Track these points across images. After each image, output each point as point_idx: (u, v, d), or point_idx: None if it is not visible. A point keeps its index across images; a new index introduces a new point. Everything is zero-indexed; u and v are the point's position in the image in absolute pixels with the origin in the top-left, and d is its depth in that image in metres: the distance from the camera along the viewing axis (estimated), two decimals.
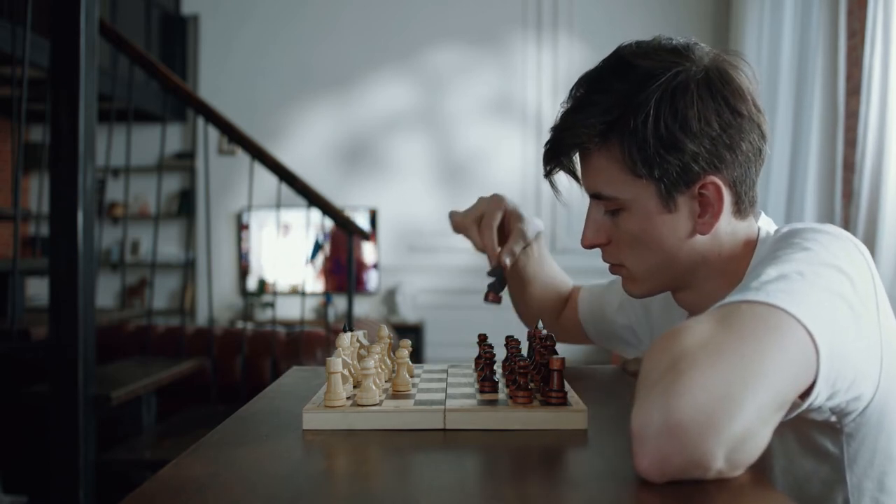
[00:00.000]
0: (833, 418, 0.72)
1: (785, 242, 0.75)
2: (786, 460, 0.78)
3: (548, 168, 0.87)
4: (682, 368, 0.58)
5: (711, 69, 0.78)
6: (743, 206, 0.82)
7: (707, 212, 0.80)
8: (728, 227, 0.82)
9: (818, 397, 0.66)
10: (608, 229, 0.85)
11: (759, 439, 0.58)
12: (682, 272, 0.84)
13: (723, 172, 0.79)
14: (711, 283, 0.84)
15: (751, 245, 0.83)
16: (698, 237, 0.81)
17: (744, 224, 0.83)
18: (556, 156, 0.85)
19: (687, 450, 0.55)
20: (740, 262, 0.82)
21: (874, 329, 0.71)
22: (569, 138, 0.82)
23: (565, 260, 4.96)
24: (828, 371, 0.64)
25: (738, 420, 0.56)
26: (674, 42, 0.81)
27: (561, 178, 0.88)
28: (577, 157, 0.85)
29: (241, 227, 5.26)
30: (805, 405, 0.66)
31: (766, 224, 0.86)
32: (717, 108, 0.77)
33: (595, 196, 0.84)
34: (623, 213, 0.82)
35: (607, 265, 0.90)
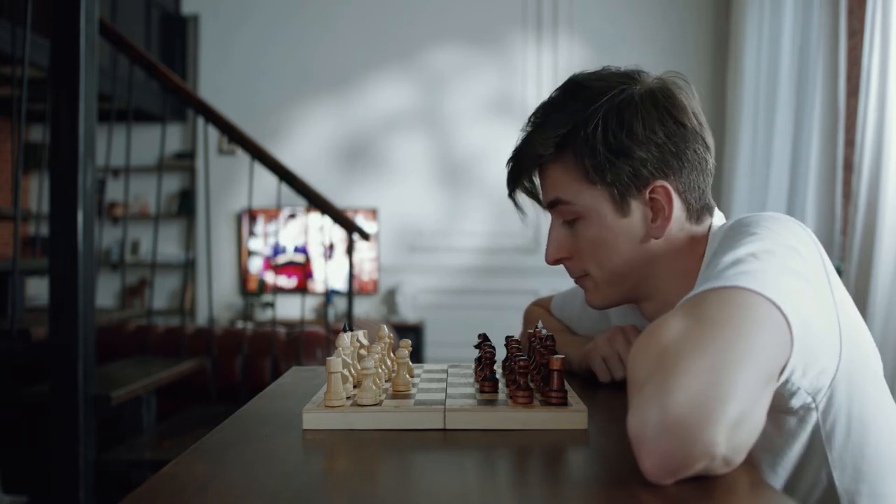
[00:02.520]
0: (809, 399, 0.73)
1: (733, 232, 0.77)
2: (770, 454, 0.78)
3: (511, 187, 0.93)
4: (667, 365, 0.58)
5: (655, 88, 0.87)
6: (694, 212, 0.87)
7: (658, 216, 0.86)
8: (681, 232, 0.87)
9: (794, 372, 0.67)
10: (569, 243, 0.90)
11: (754, 419, 0.59)
12: (640, 277, 0.89)
13: (671, 178, 0.85)
14: (670, 286, 0.88)
15: (703, 243, 0.87)
16: (653, 241, 0.87)
17: (699, 227, 0.88)
18: (517, 173, 0.91)
19: (688, 442, 0.55)
20: (696, 262, 0.86)
21: (829, 302, 0.73)
22: (527, 153, 0.88)
23: None
24: (801, 344, 0.65)
25: (732, 403, 0.56)
26: (623, 68, 0.92)
27: (526, 201, 0.95)
28: (537, 180, 0.93)
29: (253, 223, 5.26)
30: (782, 379, 0.67)
31: (717, 220, 0.90)
32: (660, 118, 0.84)
33: (554, 203, 0.89)
34: (581, 222, 0.88)
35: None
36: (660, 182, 0.84)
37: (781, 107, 3.92)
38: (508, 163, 0.92)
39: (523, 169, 0.91)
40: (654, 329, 0.64)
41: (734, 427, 0.56)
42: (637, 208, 0.86)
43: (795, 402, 0.73)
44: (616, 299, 0.92)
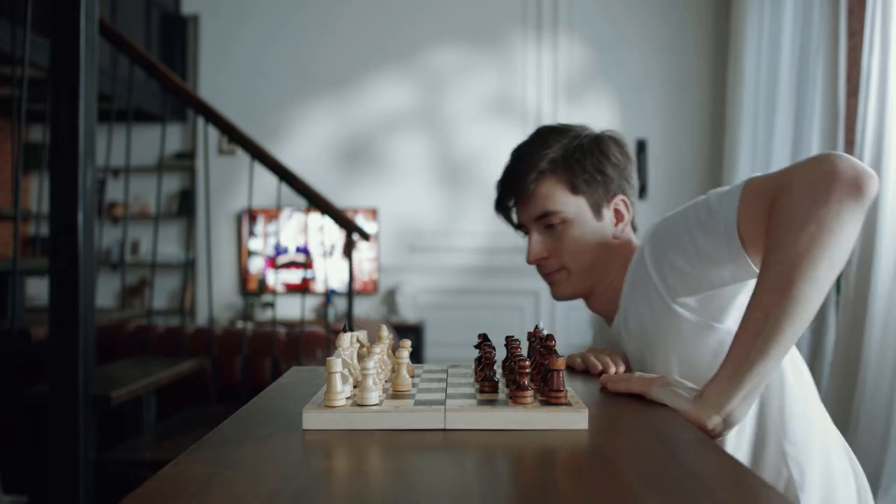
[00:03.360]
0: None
1: (669, 222, 1.04)
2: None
3: (501, 203, 1.19)
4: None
5: (607, 133, 1.18)
6: (633, 222, 1.19)
7: (620, 221, 1.16)
8: (624, 235, 1.17)
9: None
10: (548, 245, 1.15)
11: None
12: (599, 271, 1.15)
13: (626, 194, 1.16)
14: (610, 280, 1.15)
15: (632, 248, 1.16)
16: (612, 241, 1.15)
17: (632, 236, 1.19)
18: (511, 186, 1.15)
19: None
20: (627, 263, 1.13)
21: None
22: (523, 171, 1.13)
23: None
24: None
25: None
26: (574, 123, 1.20)
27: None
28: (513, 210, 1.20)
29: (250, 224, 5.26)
30: None
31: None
32: (619, 151, 1.16)
33: (542, 216, 1.13)
34: (567, 225, 1.13)
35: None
36: (621, 196, 1.15)
37: (781, 107, 3.92)
38: (501, 183, 1.17)
39: (518, 185, 1.14)
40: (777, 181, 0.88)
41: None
42: (607, 214, 1.15)
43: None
44: (579, 291, 1.17)
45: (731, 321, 0.98)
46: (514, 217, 1.19)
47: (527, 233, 1.17)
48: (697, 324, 0.99)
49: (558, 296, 1.17)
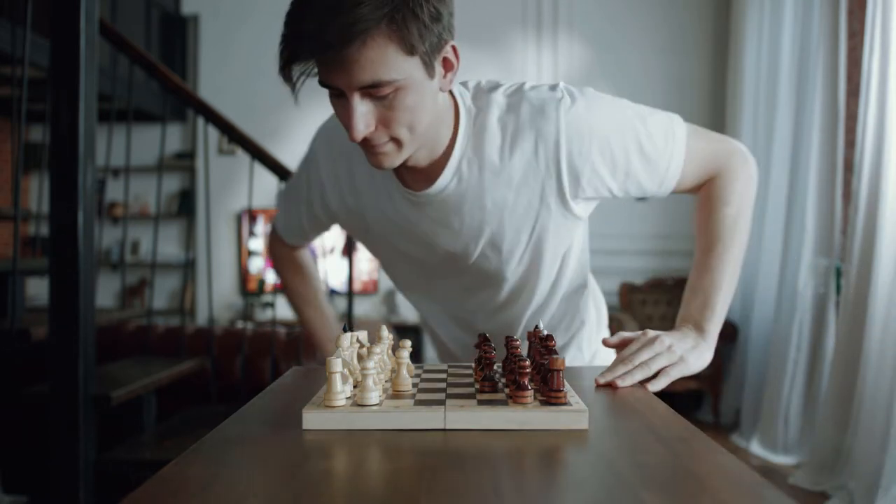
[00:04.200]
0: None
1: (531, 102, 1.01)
2: None
3: (292, 61, 0.87)
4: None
5: None
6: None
7: (449, 71, 0.94)
8: (449, 87, 0.97)
9: None
10: (375, 115, 0.90)
11: None
12: (430, 133, 0.98)
13: (453, 36, 0.92)
14: (436, 132, 0.99)
15: (456, 99, 1.02)
16: (440, 94, 0.96)
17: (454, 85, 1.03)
18: (320, 49, 0.84)
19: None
20: (456, 117, 1.01)
21: None
22: (344, 25, 0.81)
23: None
24: None
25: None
26: None
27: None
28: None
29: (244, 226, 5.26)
30: None
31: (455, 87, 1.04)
32: None
33: (372, 86, 0.86)
34: (398, 93, 0.88)
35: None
36: (451, 43, 0.92)
37: (781, 107, 3.92)
38: (297, 39, 0.85)
39: (331, 50, 0.83)
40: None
41: None
42: (437, 68, 0.91)
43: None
44: (405, 157, 0.97)
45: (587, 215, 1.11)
46: (318, 76, 0.89)
47: (337, 95, 0.90)
48: (578, 219, 1.08)
49: (384, 166, 0.97)
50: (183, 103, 2.84)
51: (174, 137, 5.31)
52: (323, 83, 0.89)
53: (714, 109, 4.91)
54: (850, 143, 3.38)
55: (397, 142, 0.93)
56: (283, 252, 1.44)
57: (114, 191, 5.25)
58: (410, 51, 0.86)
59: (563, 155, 1.00)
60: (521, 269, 1.12)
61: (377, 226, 1.14)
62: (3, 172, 5.01)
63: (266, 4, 5.24)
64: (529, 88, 1.02)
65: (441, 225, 1.07)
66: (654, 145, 1.04)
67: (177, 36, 5.30)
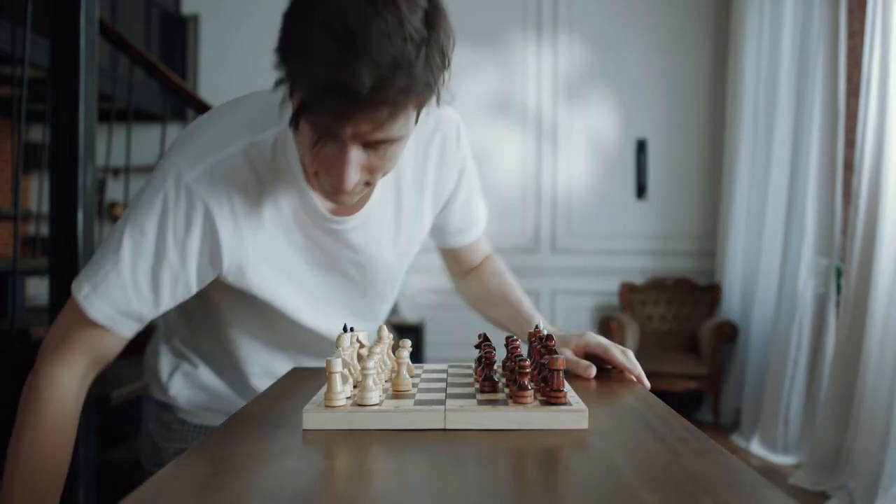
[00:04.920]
0: None
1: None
2: None
3: (344, 121, 0.78)
4: None
5: (445, 20, 0.84)
6: None
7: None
8: None
9: None
10: (366, 164, 0.85)
11: None
12: None
13: None
14: None
15: None
16: None
17: None
18: (361, 108, 0.76)
19: None
20: None
21: None
22: (395, 89, 0.75)
23: (565, 259, 4.99)
24: None
25: None
26: None
27: None
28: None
29: None
30: None
31: None
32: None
33: (383, 141, 0.82)
34: (394, 145, 0.84)
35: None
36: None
37: (781, 107, 3.92)
38: (330, 88, 0.74)
39: (371, 109, 0.76)
40: None
41: None
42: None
43: None
44: None
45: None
46: (311, 117, 0.80)
47: (326, 140, 0.82)
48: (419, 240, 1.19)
49: (346, 204, 0.94)
50: (183, 103, 2.84)
51: (174, 137, 5.32)
52: (320, 130, 0.80)
53: (714, 109, 4.91)
54: (850, 142, 3.38)
55: (369, 184, 0.89)
56: (62, 386, 0.94)
57: (114, 191, 5.25)
58: (420, 105, 0.82)
59: (455, 172, 1.16)
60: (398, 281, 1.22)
61: (275, 259, 1.01)
62: (3, 172, 5.01)
63: (266, 4, 5.23)
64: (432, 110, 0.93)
65: (357, 250, 1.06)
66: (479, 197, 1.24)
67: (177, 36, 5.29)
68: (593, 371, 0.99)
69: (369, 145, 0.82)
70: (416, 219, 1.13)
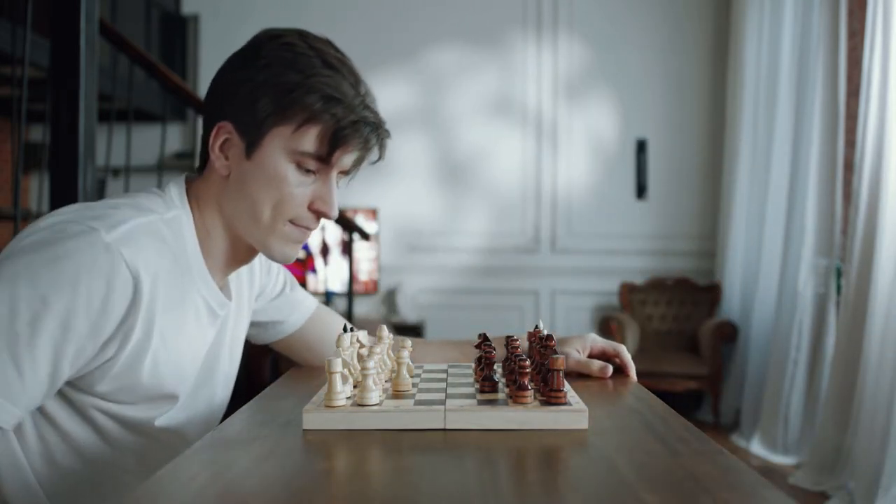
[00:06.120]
0: None
1: None
2: None
3: (364, 143, 0.94)
4: None
5: None
6: None
7: None
8: None
9: None
10: None
11: None
12: None
13: None
14: None
15: None
16: None
17: None
18: (381, 137, 0.97)
19: None
20: None
21: None
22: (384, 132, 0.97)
23: (565, 259, 4.99)
24: None
25: None
26: None
27: None
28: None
29: None
30: None
31: None
32: None
33: (350, 172, 0.95)
34: (346, 176, 0.96)
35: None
36: None
37: (781, 107, 3.92)
38: (378, 128, 0.96)
39: (384, 139, 0.98)
40: None
41: None
42: None
43: None
44: None
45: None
46: (341, 158, 0.90)
47: (307, 171, 0.89)
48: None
49: (295, 257, 0.94)
50: (183, 103, 2.84)
51: (174, 137, 5.31)
52: (322, 161, 0.89)
53: (714, 109, 4.91)
54: (850, 143, 3.38)
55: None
56: None
57: (114, 191, 5.25)
58: None
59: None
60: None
61: (159, 352, 0.87)
62: (3, 172, 5.01)
63: (266, 4, 5.24)
64: None
65: (225, 341, 1.03)
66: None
67: (177, 36, 5.29)
68: (609, 370, 1.00)
69: (342, 174, 0.94)
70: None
